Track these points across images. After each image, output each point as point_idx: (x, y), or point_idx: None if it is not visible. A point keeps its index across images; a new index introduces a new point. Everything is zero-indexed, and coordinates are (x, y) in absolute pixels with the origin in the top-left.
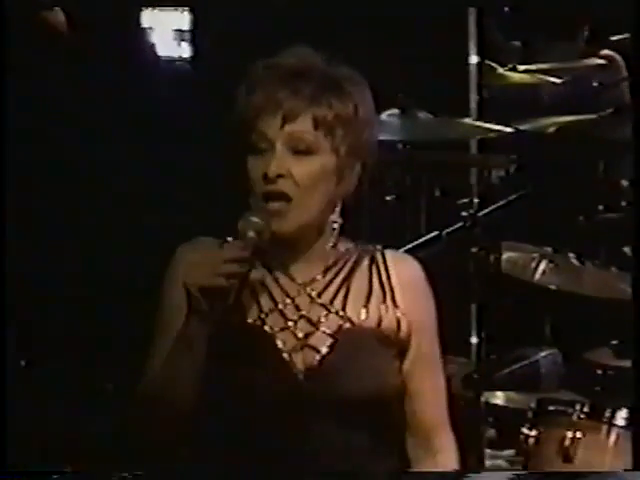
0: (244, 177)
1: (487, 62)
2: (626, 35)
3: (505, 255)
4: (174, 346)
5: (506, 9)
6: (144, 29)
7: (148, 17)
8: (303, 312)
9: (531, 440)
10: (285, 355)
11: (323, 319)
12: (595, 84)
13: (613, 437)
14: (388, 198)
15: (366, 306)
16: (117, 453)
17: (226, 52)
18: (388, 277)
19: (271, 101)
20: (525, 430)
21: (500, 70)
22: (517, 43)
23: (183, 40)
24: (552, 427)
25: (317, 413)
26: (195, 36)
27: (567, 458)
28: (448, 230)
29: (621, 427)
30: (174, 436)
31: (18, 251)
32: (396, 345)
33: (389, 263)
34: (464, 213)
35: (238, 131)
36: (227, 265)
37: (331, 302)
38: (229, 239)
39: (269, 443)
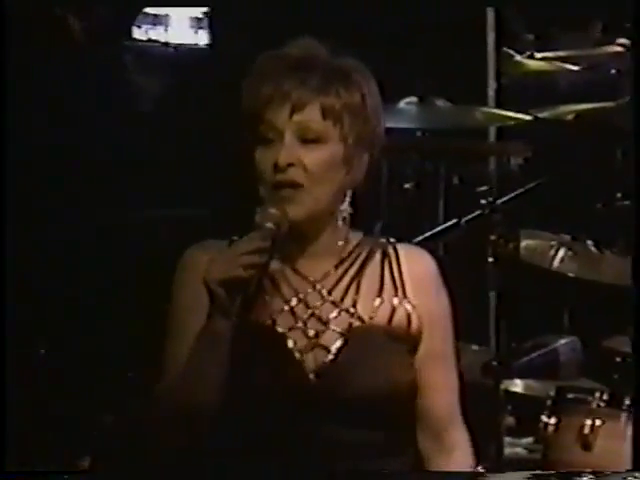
0: (252, 168)
1: (505, 50)
2: None
3: (523, 243)
4: (197, 346)
5: None
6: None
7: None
8: (313, 310)
9: (550, 428)
10: (296, 355)
11: (333, 317)
12: (613, 71)
13: (632, 425)
14: (407, 186)
15: (377, 303)
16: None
17: (242, 41)
18: (400, 272)
19: (279, 91)
20: (544, 418)
21: (518, 58)
22: (532, 34)
23: (200, 28)
24: (571, 415)
25: (329, 413)
26: (212, 23)
27: (586, 446)
28: (467, 218)
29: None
30: (195, 437)
31: (24, 247)
32: (408, 341)
33: (401, 257)
34: (483, 201)
35: (246, 122)
36: (246, 257)
37: (342, 299)
38: (234, 238)
39: (281, 443)
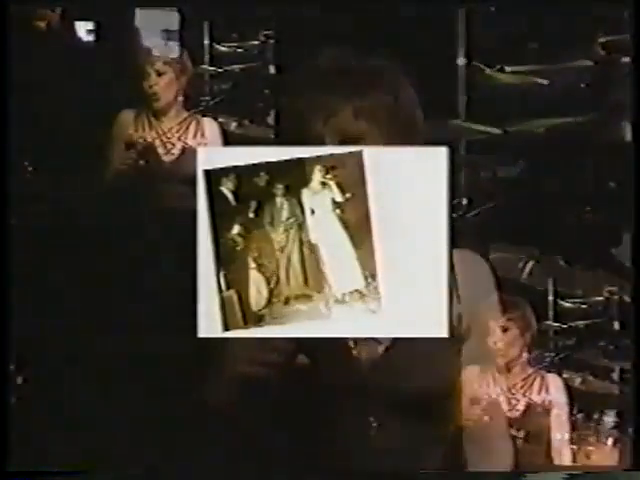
0: None
1: (475, 63)
2: (615, 37)
3: (493, 256)
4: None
5: (493, 9)
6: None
7: (137, 17)
8: None
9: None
10: (350, 343)
11: None
12: (582, 85)
13: (602, 438)
14: None
15: None
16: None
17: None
18: (454, 275)
19: (312, 103)
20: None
21: (488, 71)
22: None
23: (170, 39)
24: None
25: (378, 404)
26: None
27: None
28: None
29: (610, 428)
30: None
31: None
32: (458, 341)
33: (455, 260)
34: (453, 214)
35: (288, 136)
36: (268, 354)
37: None
38: None
39: (328, 428)
